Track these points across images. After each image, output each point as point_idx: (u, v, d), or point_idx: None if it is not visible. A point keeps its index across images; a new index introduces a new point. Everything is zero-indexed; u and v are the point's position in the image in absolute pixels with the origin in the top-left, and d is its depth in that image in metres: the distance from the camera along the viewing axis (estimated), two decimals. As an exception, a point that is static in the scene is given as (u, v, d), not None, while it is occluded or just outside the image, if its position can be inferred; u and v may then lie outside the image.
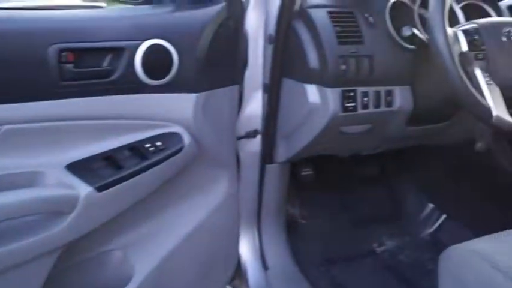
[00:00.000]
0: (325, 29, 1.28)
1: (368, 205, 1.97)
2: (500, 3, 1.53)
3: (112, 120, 1.07)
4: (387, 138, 1.51)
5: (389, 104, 1.35)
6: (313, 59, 1.30)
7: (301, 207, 1.85)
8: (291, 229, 1.73)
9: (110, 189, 1.02)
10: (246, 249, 1.56)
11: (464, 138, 1.60)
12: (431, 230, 1.91)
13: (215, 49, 1.18)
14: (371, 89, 1.33)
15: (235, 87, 1.32)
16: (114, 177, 1.03)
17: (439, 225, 1.91)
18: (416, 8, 1.40)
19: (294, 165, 1.67)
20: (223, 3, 1.21)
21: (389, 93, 1.35)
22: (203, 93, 1.16)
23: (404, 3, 1.41)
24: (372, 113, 1.34)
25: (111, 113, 1.07)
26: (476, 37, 1.19)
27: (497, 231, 1.10)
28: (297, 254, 1.67)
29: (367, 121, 1.38)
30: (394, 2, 1.39)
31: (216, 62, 1.20)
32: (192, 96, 1.14)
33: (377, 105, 1.34)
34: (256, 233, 1.59)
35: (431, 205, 1.94)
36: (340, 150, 1.59)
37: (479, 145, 1.51)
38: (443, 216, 1.91)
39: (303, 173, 1.73)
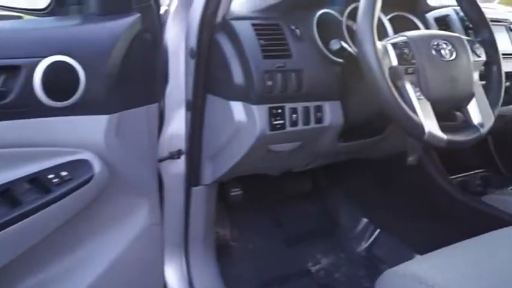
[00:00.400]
0: (250, 43, 1.20)
1: (301, 222, 1.91)
2: (428, 15, 1.51)
3: (8, 148, 0.93)
4: (318, 155, 1.45)
5: (319, 120, 1.29)
6: (237, 74, 1.21)
7: (232, 228, 1.76)
8: (222, 252, 1.63)
9: (7, 230, 0.89)
10: (173, 279, 1.44)
11: (396, 151, 1.57)
12: (366, 245, 1.87)
13: (129, 65, 1.07)
14: (300, 105, 1.26)
15: (154, 106, 1.22)
16: (11, 216, 0.90)
17: (374, 240, 1.87)
18: (344, 19, 1.35)
19: (222, 185, 1.58)
20: (138, 15, 1.10)
21: (318, 108, 1.28)
22: (116, 114, 1.05)
23: (332, 15, 1.35)
24: (301, 130, 1.27)
25: (7, 140, 0.94)
26: (405, 50, 1.15)
27: (430, 245, 1.08)
28: (228, 279, 1.57)
29: (297, 138, 1.30)
30: (322, 14, 1.32)
31: (131, 79, 1.09)
32: (103, 118, 1.03)
33: (306, 122, 1.27)
34: (183, 260, 1.48)
35: (365, 219, 1.90)
36: (270, 169, 1.51)
37: (410, 159, 1.48)
38: (378, 231, 1.87)
39: (232, 193, 1.64)
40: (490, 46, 1.30)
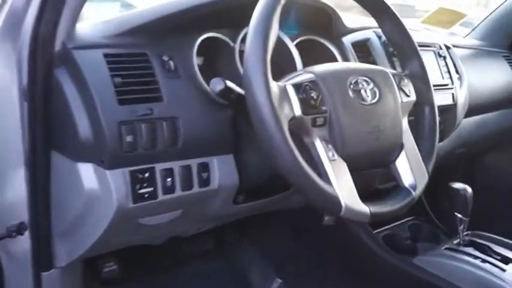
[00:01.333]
0: (98, 81, 0.85)
1: (203, 286, 1.57)
2: (344, 39, 1.22)
3: None
4: (210, 219, 1.13)
5: (205, 182, 0.96)
6: (83, 126, 0.86)
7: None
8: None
9: None
10: None
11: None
12: (280, 312, 1.55)
13: None
14: (177, 165, 0.92)
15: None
16: None
17: (289, 306, 1.56)
18: (237, 46, 1.03)
19: (92, 259, 1.22)
20: None
21: (203, 167, 0.96)
22: None
23: (220, 40, 1.03)
24: (180, 197, 0.94)
25: None
26: (313, 94, 0.84)
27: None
28: None
29: (175, 207, 0.97)
30: (206, 39, 1.00)
31: None
32: None
33: (187, 187, 0.94)
34: None
35: (279, 280, 1.58)
36: (149, 239, 1.17)
37: (326, 219, 1.18)
38: (294, 294, 1.56)
39: (105, 270, 1.27)
40: (421, 81, 1.03)
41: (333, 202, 0.80)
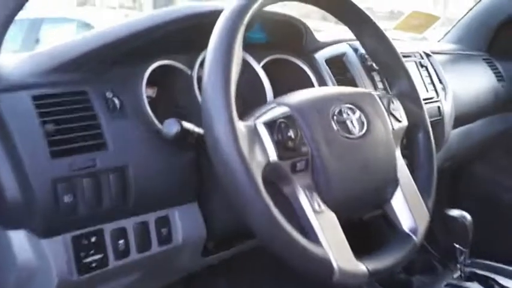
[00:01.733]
0: (25, 130, 0.69)
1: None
2: (317, 56, 1.08)
3: None
4: (176, 274, 0.97)
5: (165, 239, 0.80)
6: (9, 186, 0.70)
7: None
8: None
9: None
10: None
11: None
12: None
13: None
14: (130, 222, 0.77)
15: None
16: None
17: None
18: (195, 73, 0.88)
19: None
20: None
21: (163, 221, 0.80)
22: None
23: (174, 68, 0.88)
24: (137, 260, 0.78)
25: None
26: (290, 133, 0.69)
27: None
28: None
29: (132, 271, 0.81)
30: (158, 68, 0.85)
31: None
32: None
33: (145, 247, 0.78)
34: None
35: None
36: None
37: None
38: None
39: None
40: (412, 101, 0.90)
41: (324, 266, 0.66)
